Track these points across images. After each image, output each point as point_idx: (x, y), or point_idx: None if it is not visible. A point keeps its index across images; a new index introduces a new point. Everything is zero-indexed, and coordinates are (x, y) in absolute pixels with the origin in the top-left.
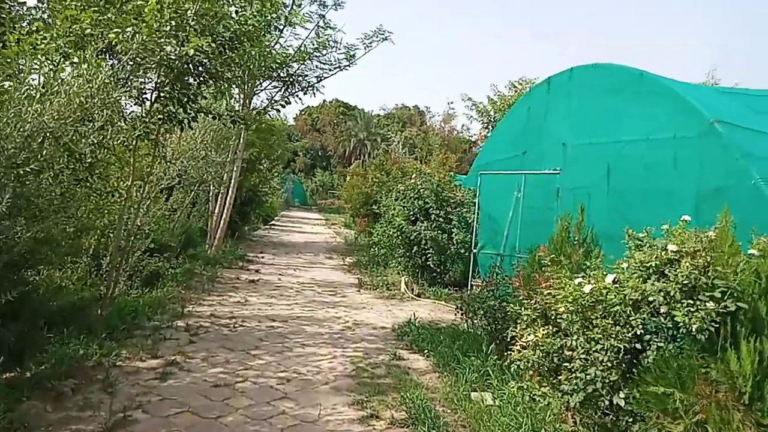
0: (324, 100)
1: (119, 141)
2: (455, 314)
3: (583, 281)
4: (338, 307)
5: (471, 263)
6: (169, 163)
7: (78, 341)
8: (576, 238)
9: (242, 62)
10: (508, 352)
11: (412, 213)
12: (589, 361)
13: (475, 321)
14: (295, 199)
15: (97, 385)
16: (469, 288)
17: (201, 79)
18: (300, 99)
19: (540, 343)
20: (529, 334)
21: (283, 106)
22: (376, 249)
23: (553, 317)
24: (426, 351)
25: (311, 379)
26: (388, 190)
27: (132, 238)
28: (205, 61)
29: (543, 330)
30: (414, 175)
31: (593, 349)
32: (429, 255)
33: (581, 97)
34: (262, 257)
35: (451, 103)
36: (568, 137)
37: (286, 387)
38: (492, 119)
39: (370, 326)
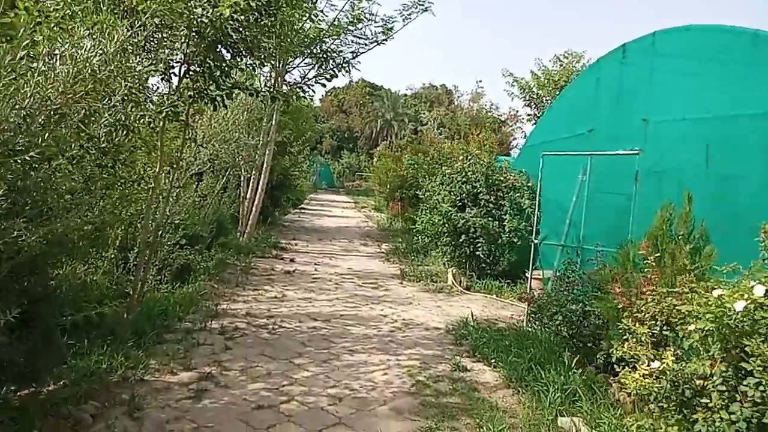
0: (350, 81)
1: (144, 122)
2: (513, 311)
3: (728, 293)
4: (383, 303)
5: (531, 255)
6: (199, 147)
7: (101, 351)
8: (681, 233)
9: (279, 31)
10: (603, 372)
11: (459, 198)
12: (733, 396)
13: (550, 326)
14: (322, 182)
15: (122, 408)
16: (529, 284)
17: (235, 49)
18: (335, 75)
19: (667, 371)
20: (650, 358)
21: (324, 85)
22: (420, 237)
23: (674, 336)
24: (492, 360)
25: (366, 397)
26: (429, 173)
27: (161, 230)
28: (239, 28)
29: (670, 353)
30: (461, 157)
31: (745, 383)
32: (479, 244)
33: (668, 65)
34: (296, 244)
35: (480, 81)
36: (650, 113)
37: (339, 408)
38: (536, 96)
39: (421, 326)
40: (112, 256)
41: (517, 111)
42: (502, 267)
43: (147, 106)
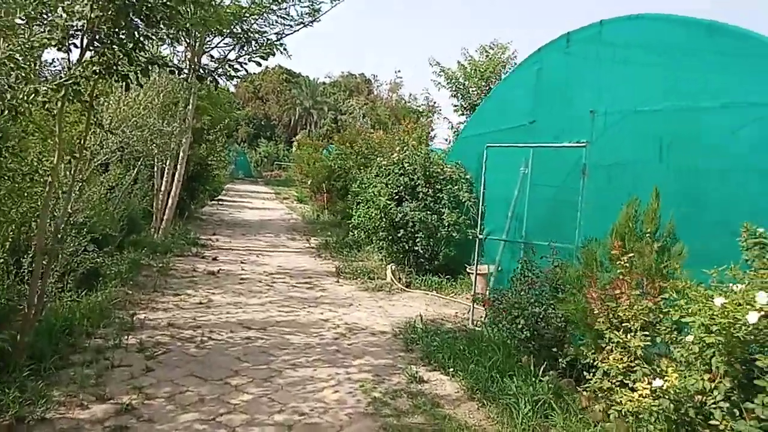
0: (267, 67)
1: (37, 102)
2: (456, 309)
3: (730, 302)
4: (321, 305)
5: (476, 250)
6: (107, 133)
7: None
8: (648, 230)
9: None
10: (566, 377)
11: (396, 191)
12: (732, 413)
13: (510, 329)
14: (239, 171)
15: None
16: (474, 281)
17: (151, 17)
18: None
19: (671, 389)
20: (646, 374)
21: (259, 64)
22: (356, 232)
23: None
24: (450, 368)
25: (319, 422)
26: (360, 165)
27: (61, 231)
28: None
29: (672, 369)
30: (398, 148)
31: (757, 401)
32: (418, 239)
33: (617, 56)
34: (217, 240)
35: (399, 71)
36: (597, 104)
37: None
38: (462, 86)
39: (366, 331)
40: (1, 261)
41: (435, 102)
42: (440, 262)
43: (39, 82)
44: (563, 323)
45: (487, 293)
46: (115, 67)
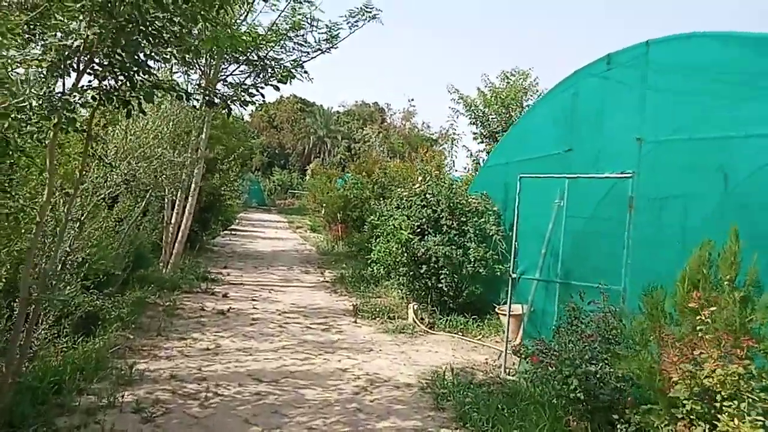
0: (281, 96)
1: (26, 132)
2: (485, 353)
3: None
4: (338, 351)
5: (509, 290)
6: (111, 166)
7: None
8: (727, 278)
9: (210, 18)
10: None
11: (418, 224)
12: None
13: (558, 388)
14: (252, 200)
15: None
16: (507, 325)
17: (157, 37)
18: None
19: None
20: None
21: (278, 88)
22: (375, 267)
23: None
24: None
25: None
26: (377, 196)
27: (49, 276)
28: (159, 14)
29: None
30: (420, 178)
31: None
32: (442, 275)
33: (666, 78)
34: (228, 274)
35: (412, 100)
36: (644, 131)
37: None
38: (482, 114)
39: (390, 383)
40: None
41: (448, 129)
42: (464, 300)
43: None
44: (622, 383)
45: (520, 337)
46: (116, 92)
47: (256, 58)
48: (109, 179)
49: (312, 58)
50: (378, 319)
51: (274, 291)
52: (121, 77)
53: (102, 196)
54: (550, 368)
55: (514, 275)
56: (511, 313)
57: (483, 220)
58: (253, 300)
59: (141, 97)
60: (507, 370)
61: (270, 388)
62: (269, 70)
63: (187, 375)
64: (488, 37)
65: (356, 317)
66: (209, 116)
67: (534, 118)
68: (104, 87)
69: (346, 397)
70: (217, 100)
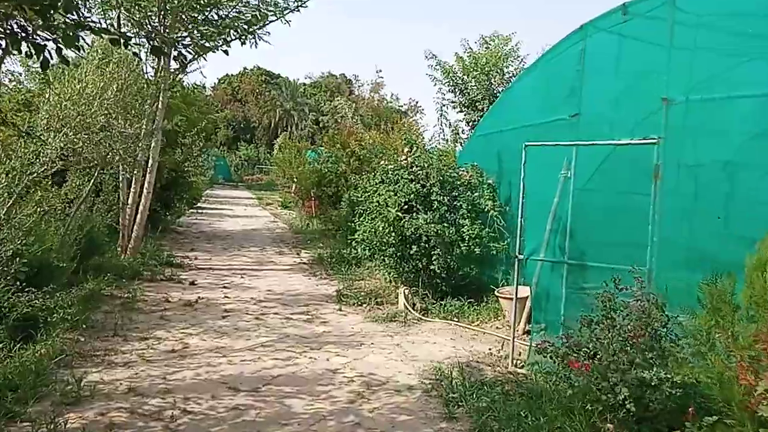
0: (244, 68)
1: None
2: (487, 342)
3: None
4: (325, 346)
5: (516, 273)
6: (39, 138)
7: None
8: None
9: None
10: None
11: (406, 201)
12: None
13: (598, 394)
14: (219, 176)
15: None
16: (514, 313)
17: None
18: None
19: None
20: None
21: (226, 53)
22: (359, 249)
23: None
24: None
25: None
26: (356, 169)
27: None
28: None
29: None
30: (406, 149)
31: None
32: (434, 256)
33: (698, 28)
34: (195, 258)
35: (380, 71)
36: (671, 91)
37: None
38: (461, 81)
39: (389, 387)
40: None
41: (417, 101)
42: (458, 282)
43: None
44: (677, 390)
45: (523, 322)
46: (24, 34)
47: (215, 17)
48: (42, 155)
49: (280, 18)
50: (365, 305)
51: (247, 276)
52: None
53: (34, 174)
54: (591, 374)
55: (521, 256)
56: (507, 295)
57: (477, 194)
58: (225, 287)
59: (59, 39)
60: (515, 362)
61: (249, 399)
62: (231, 31)
63: (148, 387)
64: (465, 5)
65: (340, 304)
66: (165, 83)
67: (531, 80)
68: (8, 28)
69: (340, 407)
70: (164, 49)
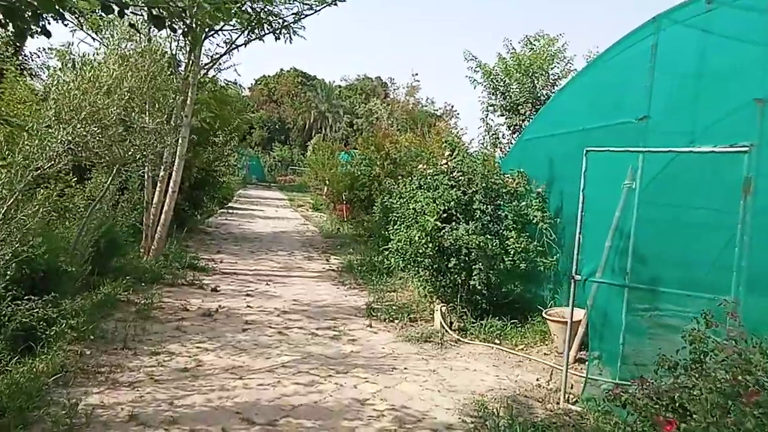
0: (281, 69)
1: None
2: (533, 370)
3: None
4: (353, 371)
5: (571, 296)
6: (41, 134)
7: None
8: None
9: None
10: None
11: (445, 209)
12: None
13: None
14: (252, 176)
15: None
16: (568, 338)
17: None
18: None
19: None
20: None
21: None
22: (393, 259)
23: None
24: None
25: None
26: (390, 173)
27: None
28: None
29: None
30: (447, 153)
31: None
32: (475, 271)
33: None
34: (221, 261)
35: (416, 74)
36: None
37: None
38: (502, 84)
39: (425, 425)
40: None
41: (453, 105)
42: (500, 300)
43: None
44: None
45: (575, 350)
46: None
47: (250, 11)
48: (48, 148)
49: (317, 11)
50: (397, 321)
51: (273, 283)
52: None
53: (35, 172)
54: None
55: (578, 277)
56: (555, 317)
57: (525, 203)
58: (248, 295)
59: (55, 7)
60: (568, 396)
61: None
62: (264, 25)
63: (152, 414)
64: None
65: (370, 319)
66: (194, 77)
67: (590, 78)
68: None
69: None
70: (185, 29)
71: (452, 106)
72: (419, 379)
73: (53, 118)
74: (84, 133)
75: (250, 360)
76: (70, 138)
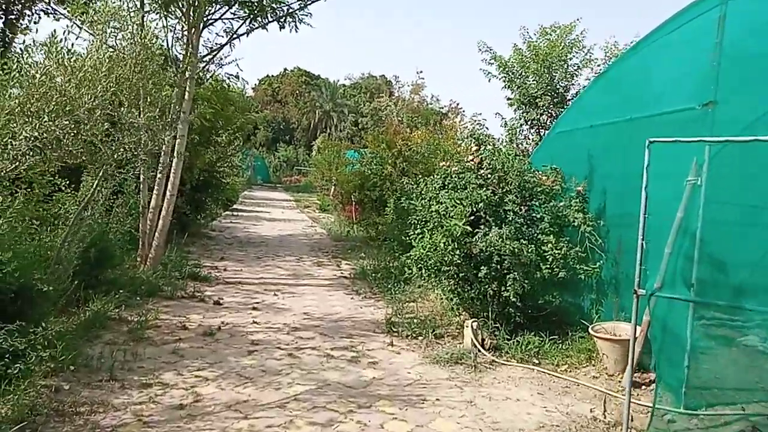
0: (285, 69)
1: None
2: (586, 398)
3: None
4: (377, 404)
5: (634, 312)
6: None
7: None
8: None
9: None
10: None
11: (472, 211)
12: None
13: None
14: (257, 177)
15: None
16: (632, 358)
17: None
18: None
19: None
20: None
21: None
22: (414, 269)
23: None
24: None
25: None
26: (403, 171)
27: None
28: None
29: None
30: (473, 148)
31: None
32: (509, 281)
33: None
34: (224, 269)
35: (421, 72)
36: None
37: None
38: (519, 76)
39: None
40: None
41: (458, 103)
42: (537, 312)
43: None
44: None
45: (628, 371)
46: None
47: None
48: (9, 147)
49: None
50: (421, 338)
51: (281, 293)
52: None
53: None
54: None
55: (641, 291)
56: (602, 334)
57: (563, 204)
58: (254, 309)
59: None
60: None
61: None
62: (268, 13)
63: None
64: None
65: (391, 336)
66: (191, 69)
67: (637, 61)
68: None
69: None
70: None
71: (458, 104)
72: (455, 414)
73: (17, 110)
74: (53, 128)
75: (256, 392)
76: (36, 134)
